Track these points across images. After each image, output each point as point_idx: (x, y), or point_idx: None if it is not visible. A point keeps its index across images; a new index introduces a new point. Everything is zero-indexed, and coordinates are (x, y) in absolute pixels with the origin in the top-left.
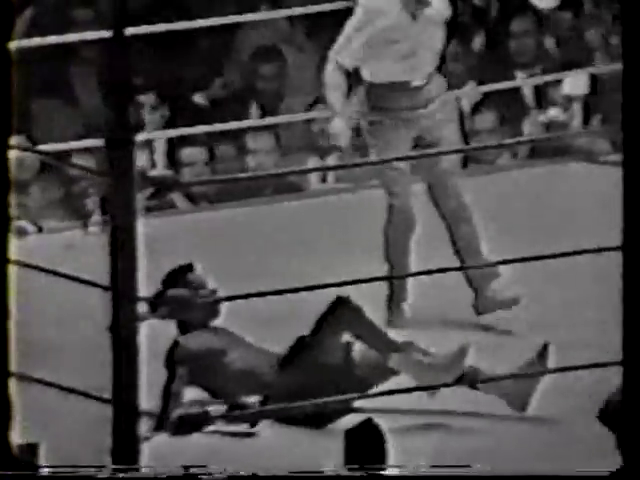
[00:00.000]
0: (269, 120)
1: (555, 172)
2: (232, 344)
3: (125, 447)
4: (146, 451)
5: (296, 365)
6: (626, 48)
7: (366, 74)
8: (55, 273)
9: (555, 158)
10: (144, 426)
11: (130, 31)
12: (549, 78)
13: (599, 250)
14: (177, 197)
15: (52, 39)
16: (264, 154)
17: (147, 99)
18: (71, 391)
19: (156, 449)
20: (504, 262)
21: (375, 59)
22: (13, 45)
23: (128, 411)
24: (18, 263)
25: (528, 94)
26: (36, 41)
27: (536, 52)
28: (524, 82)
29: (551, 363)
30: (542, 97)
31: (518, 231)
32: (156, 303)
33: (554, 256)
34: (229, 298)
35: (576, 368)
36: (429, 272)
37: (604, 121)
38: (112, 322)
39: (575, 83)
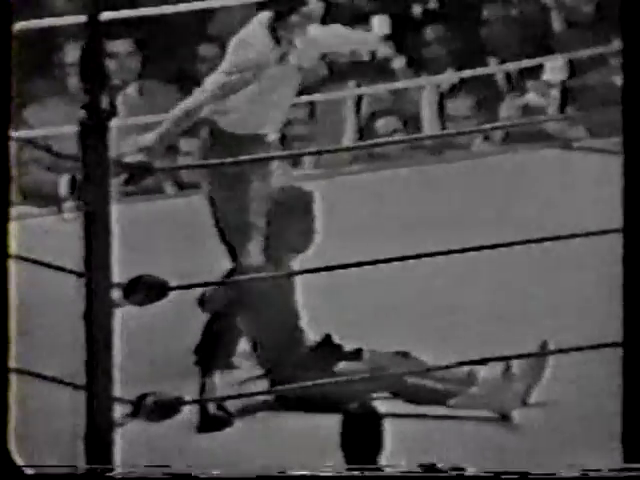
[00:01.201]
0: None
1: (528, 159)
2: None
3: (99, 434)
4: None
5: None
6: (626, 44)
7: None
8: (34, 261)
9: (528, 144)
10: (118, 412)
11: (105, 16)
12: (526, 64)
13: (599, 233)
14: (166, 183)
15: (31, 24)
16: None
17: (123, 45)
18: (45, 378)
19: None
20: (503, 245)
21: (229, 99)
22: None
23: (102, 397)
24: (19, 258)
25: (500, 79)
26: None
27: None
28: (500, 68)
29: (551, 360)
30: (519, 82)
31: (492, 218)
32: (130, 289)
33: (551, 239)
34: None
35: (576, 349)
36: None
37: (580, 107)
38: (86, 308)
39: (555, 69)
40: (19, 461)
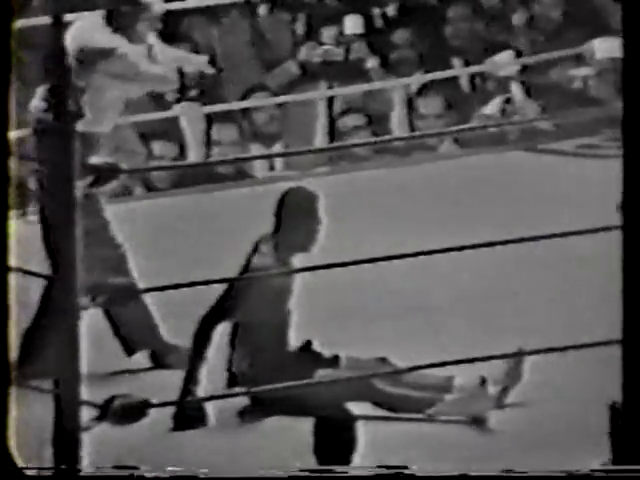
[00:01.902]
0: (233, 105)
1: (493, 161)
2: None
3: (67, 437)
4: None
5: None
6: (627, 47)
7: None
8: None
9: (493, 147)
10: (86, 416)
11: (69, 17)
12: (486, 68)
13: (598, 230)
14: (135, 185)
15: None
16: (228, 145)
17: None
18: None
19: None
20: (501, 243)
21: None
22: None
23: (69, 401)
24: (19, 270)
25: (464, 83)
26: None
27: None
28: (465, 70)
29: (527, 368)
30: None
31: (461, 219)
32: (95, 292)
33: (545, 237)
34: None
35: (575, 347)
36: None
37: (544, 108)
38: (53, 311)
39: (503, 60)
40: (19, 461)
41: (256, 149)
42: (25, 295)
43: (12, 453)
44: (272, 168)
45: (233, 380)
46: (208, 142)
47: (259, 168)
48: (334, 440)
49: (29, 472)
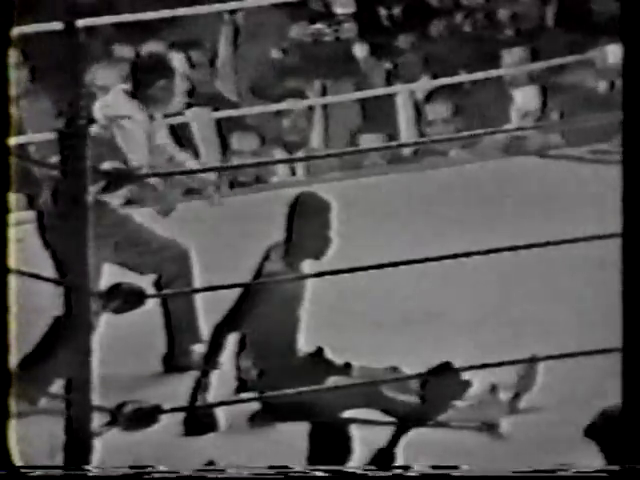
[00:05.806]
0: (243, 111)
1: (505, 166)
2: None
3: (78, 443)
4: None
5: None
6: (627, 49)
7: None
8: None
9: (505, 152)
10: (97, 421)
11: (81, 23)
12: (497, 73)
13: (597, 237)
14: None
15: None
16: (248, 154)
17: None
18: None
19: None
20: (498, 250)
21: None
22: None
23: (81, 406)
24: (19, 272)
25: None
26: None
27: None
28: (469, 77)
29: (540, 374)
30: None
31: (474, 223)
32: (109, 297)
33: (546, 244)
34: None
35: (575, 355)
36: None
37: (561, 115)
38: (65, 316)
39: (526, 97)
40: (19, 461)
41: (279, 154)
42: (35, 300)
43: (12, 453)
44: (294, 174)
45: (242, 386)
46: (224, 149)
47: (281, 174)
48: (342, 445)
49: (27, 472)
